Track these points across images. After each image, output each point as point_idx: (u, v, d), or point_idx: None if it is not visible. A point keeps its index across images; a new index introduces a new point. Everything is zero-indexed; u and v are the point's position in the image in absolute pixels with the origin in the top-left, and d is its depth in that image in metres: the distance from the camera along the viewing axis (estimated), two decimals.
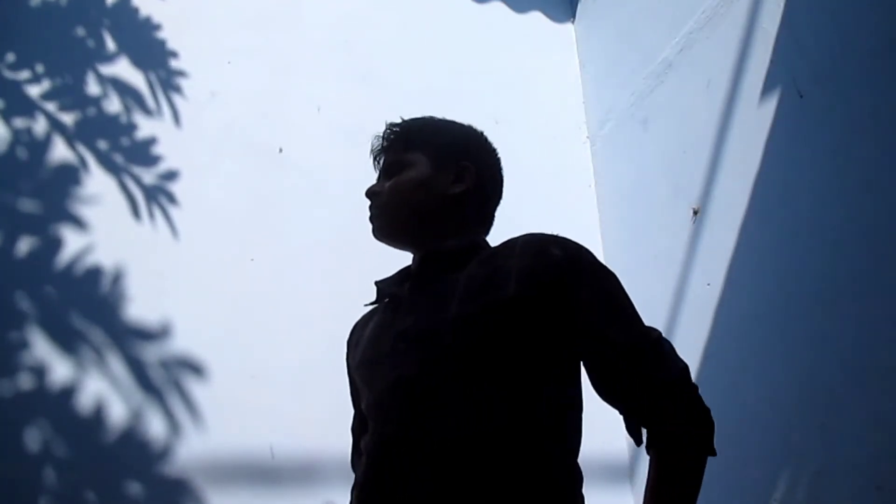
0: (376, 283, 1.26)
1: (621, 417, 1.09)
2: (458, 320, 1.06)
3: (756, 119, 2.07)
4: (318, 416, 2.17)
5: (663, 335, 1.09)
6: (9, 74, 2.32)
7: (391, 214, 1.21)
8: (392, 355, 1.11)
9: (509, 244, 1.13)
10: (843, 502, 1.64)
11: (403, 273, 1.25)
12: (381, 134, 1.28)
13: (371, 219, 1.24)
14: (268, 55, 2.68)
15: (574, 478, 1.05)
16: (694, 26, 2.43)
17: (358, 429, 1.30)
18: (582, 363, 1.11)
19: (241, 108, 2.55)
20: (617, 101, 2.83)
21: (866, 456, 1.61)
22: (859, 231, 1.72)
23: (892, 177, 1.66)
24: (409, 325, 1.11)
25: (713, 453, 1.03)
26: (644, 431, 1.07)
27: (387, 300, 1.24)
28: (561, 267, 1.06)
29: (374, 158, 1.30)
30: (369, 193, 1.24)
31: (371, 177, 1.31)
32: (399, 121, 1.29)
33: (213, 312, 2.22)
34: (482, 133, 1.31)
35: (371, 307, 1.31)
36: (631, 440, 1.09)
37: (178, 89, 2.51)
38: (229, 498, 2.02)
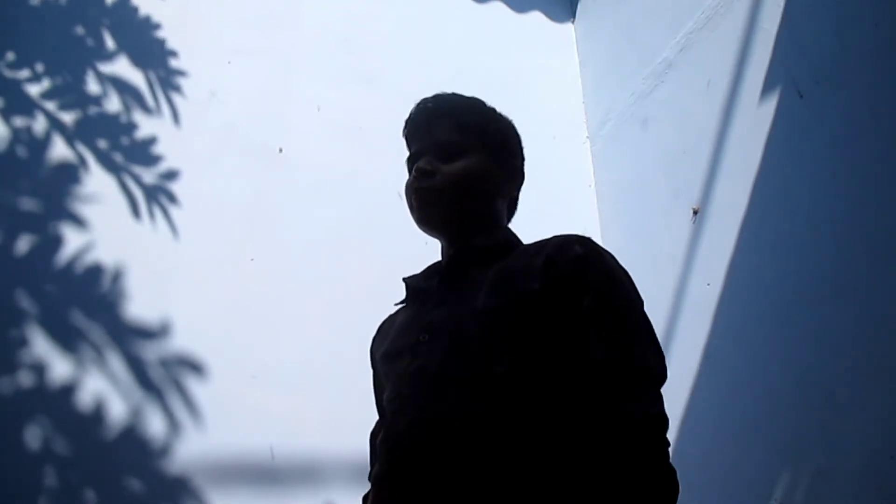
0: (404, 279, 1.22)
1: None
2: (484, 312, 1.03)
3: (756, 119, 2.07)
4: (318, 416, 2.17)
5: (658, 379, 0.98)
6: (9, 73, 2.32)
7: (450, 203, 1.16)
8: (415, 347, 1.08)
9: (542, 242, 1.11)
10: (843, 502, 1.64)
11: (432, 269, 1.22)
12: (429, 102, 1.23)
13: (422, 201, 1.17)
14: (268, 55, 2.68)
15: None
16: (694, 26, 2.43)
17: (378, 430, 1.25)
18: None
19: (241, 108, 2.55)
20: (617, 101, 2.83)
21: (866, 456, 1.61)
22: (859, 231, 1.72)
23: (892, 176, 1.66)
24: (435, 317, 1.09)
25: None
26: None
27: (415, 296, 1.20)
28: (575, 264, 1.03)
29: (416, 125, 1.24)
30: (422, 170, 1.16)
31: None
32: (446, 95, 1.24)
33: (213, 312, 2.22)
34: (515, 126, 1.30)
35: (400, 305, 1.27)
36: None
37: (178, 89, 2.51)
38: (229, 497, 2.02)
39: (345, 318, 2.34)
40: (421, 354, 1.06)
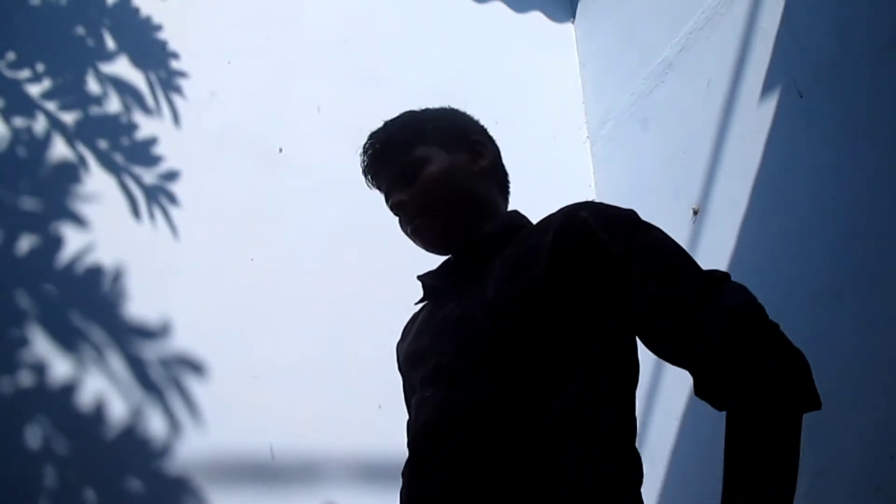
0: (419, 277, 1.22)
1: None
2: (494, 303, 1.02)
3: (756, 119, 2.07)
4: (319, 416, 2.17)
5: (725, 277, 0.96)
6: (9, 73, 2.32)
7: (435, 215, 1.14)
8: (431, 346, 1.09)
9: (547, 218, 1.09)
10: (842, 502, 1.64)
11: (446, 264, 1.21)
12: (367, 148, 1.22)
13: (417, 229, 1.15)
14: (268, 55, 2.68)
15: (615, 475, 0.95)
16: (694, 26, 2.43)
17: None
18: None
19: (241, 108, 2.55)
20: (617, 101, 2.83)
21: (866, 456, 1.61)
22: (859, 231, 1.72)
23: (892, 176, 1.66)
24: (448, 313, 1.09)
25: (810, 406, 0.87)
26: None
27: (430, 294, 1.21)
28: (588, 226, 1.00)
29: (372, 174, 1.22)
30: (397, 204, 1.15)
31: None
32: (377, 131, 1.23)
33: (214, 312, 2.22)
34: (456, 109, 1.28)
35: (421, 304, 1.26)
36: None
37: (178, 89, 2.51)
38: (229, 497, 2.02)
39: (345, 318, 2.34)
40: (436, 353, 1.07)
